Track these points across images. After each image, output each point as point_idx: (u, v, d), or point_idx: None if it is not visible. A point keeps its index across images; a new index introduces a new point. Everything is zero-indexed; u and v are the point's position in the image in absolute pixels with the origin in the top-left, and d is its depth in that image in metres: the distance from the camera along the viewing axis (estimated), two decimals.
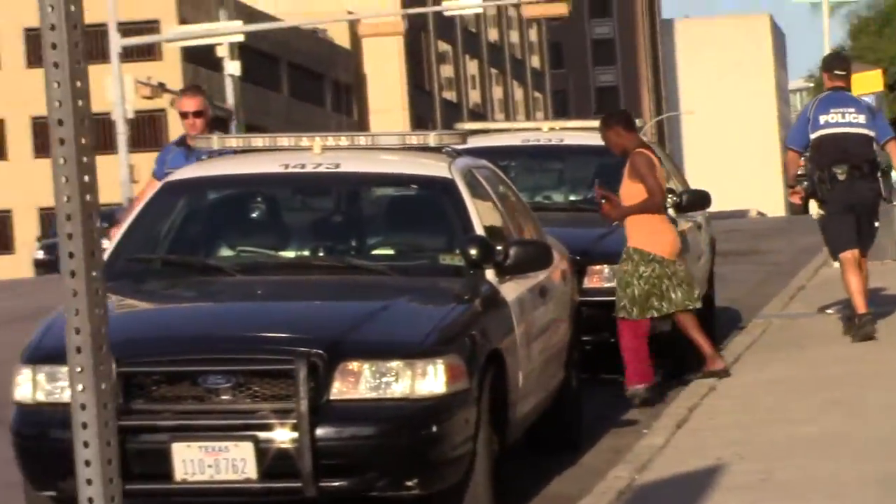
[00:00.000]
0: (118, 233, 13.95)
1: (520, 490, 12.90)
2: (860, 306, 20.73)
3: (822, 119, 21.23)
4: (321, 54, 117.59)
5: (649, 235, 18.03)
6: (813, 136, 20.90)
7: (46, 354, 11.26)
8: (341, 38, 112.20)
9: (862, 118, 21.26)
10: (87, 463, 4.18)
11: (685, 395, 16.62)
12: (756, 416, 15.23)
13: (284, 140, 15.56)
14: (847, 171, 20.77)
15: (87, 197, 3.69)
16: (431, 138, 14.89)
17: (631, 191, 18.51)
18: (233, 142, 15.01)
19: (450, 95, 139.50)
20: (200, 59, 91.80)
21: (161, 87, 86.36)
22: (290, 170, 14.15)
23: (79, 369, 4.05)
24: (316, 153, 14.37)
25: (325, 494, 11.06)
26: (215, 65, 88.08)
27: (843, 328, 21.08)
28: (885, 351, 18.69)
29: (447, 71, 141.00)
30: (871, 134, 21.33)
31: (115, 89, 70.04)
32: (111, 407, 4.21)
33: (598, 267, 18.26)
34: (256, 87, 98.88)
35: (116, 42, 70.88)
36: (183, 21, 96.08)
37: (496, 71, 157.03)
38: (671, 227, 18.56)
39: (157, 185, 15.22)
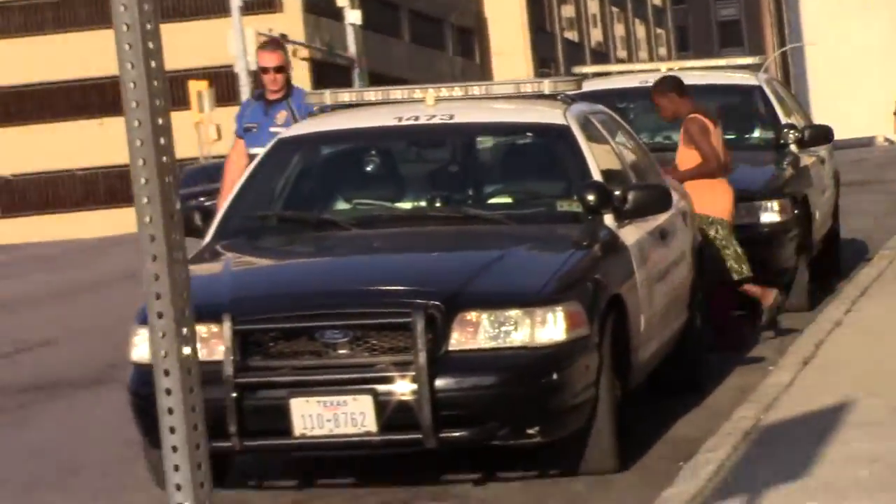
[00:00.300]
0: (231, 191, 13.98)
1: (643, 434, 12.69)
2: None
3: None
4: (443, 3, 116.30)
5: (709, 200, 17.83)
6: None
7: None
8: None
9: None
10: (172, 430, 4.13)
11: (811, 330, 16.33)
12: (884, 349, 14.90)
13: (397, 93, 15.51)
14: None
15: (164, 159, 3.56)
16: (546, 85, 14.65)
17: (686, 156, 18.45)
18: (345, 96, 14.80)
19: (571, 35, 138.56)
20: (321, 10, 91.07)
21: (283, 39, 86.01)
22: (403, 122, 14.07)
23: (161, 334, 3.93)
24: (429, 104, 14.26)
25: (446, 445, 10.98)
26: (336, 14, 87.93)
27: None
28: None
29: (568, 11, 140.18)
30: None
31: (236, 42, 70.26)
32: (195, 372, 4.08)
33: None
34: (377, 34, 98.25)
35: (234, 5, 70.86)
36: None
37: (617, 9, 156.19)
38: (729, 190, 18.42)
39: (241, 143, 15.53)
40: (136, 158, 3.58)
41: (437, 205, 13.55)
